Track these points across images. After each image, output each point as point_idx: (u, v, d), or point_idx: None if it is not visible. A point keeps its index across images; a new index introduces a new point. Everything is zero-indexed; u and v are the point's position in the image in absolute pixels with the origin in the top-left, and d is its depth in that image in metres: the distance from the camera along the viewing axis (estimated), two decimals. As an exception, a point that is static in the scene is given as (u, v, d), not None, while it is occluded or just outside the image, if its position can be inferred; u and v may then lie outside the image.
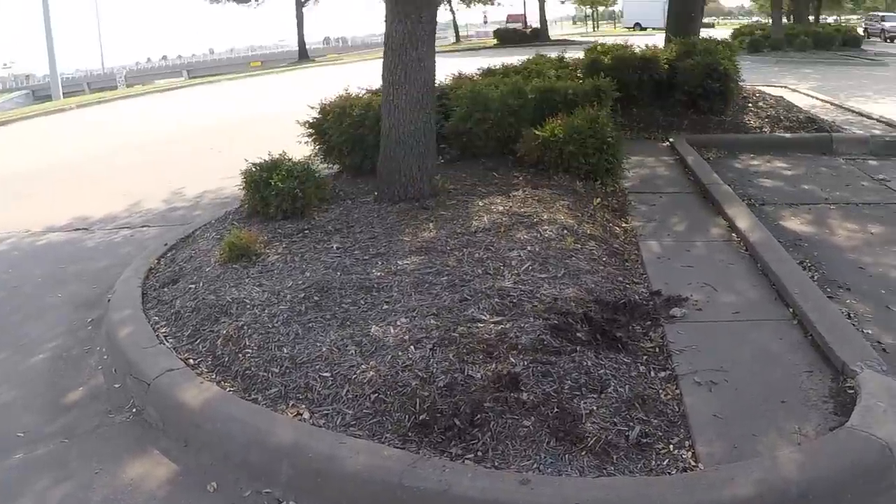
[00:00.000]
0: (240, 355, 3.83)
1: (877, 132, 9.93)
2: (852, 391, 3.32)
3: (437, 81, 6.71)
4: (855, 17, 64.93)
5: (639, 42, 11.91)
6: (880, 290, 4.71)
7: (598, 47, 11.28)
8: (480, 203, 5.86)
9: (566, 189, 6.38)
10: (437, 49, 6.39)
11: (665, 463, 2.95)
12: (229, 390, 3.59)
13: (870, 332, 4.10)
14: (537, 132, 6.96)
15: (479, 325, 3.85)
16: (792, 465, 2.80)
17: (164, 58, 71.76)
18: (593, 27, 78.19)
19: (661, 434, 3.11)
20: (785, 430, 3.12)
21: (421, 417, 3.20)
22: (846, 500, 2.75)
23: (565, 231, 5.22)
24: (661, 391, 3.42)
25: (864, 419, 3.02)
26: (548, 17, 53.36)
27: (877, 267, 5.13)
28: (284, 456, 3.07)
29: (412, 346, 3.67)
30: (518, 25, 55.34)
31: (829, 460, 2.84)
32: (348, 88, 8.03)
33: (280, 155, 6.29)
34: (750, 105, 11.34)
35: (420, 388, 3.36)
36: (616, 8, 75.40)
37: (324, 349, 3.74)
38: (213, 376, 3.73)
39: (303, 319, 4.08)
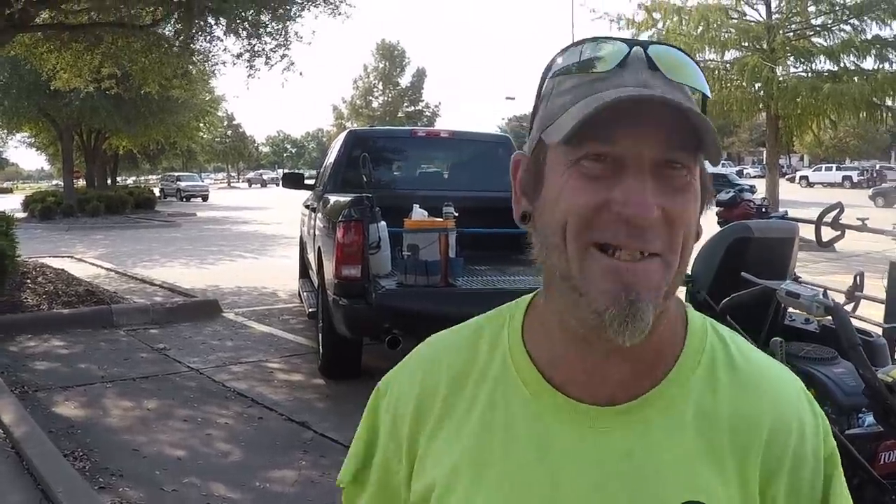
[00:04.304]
0: None
1: (158, 299, 10.20)
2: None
3: None
4: (154, 177, 68.48)
5: None
6: (154, 472, 4.70)
7: None
8: None
9: None
10: None
11: None
12: None
13: (143, 518, 4.05)
14: None
15: None
16: None
17: None
18: None
19: None
20: None
21: None
22: None
23: None
24: None
25: None
26: None
27: (151, 446, 5.15)
28: None
29: None
30: None
31: None
32: None
33: None
34: (29, 281, 10.75)
35: None
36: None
37: None
38: None
39: None
